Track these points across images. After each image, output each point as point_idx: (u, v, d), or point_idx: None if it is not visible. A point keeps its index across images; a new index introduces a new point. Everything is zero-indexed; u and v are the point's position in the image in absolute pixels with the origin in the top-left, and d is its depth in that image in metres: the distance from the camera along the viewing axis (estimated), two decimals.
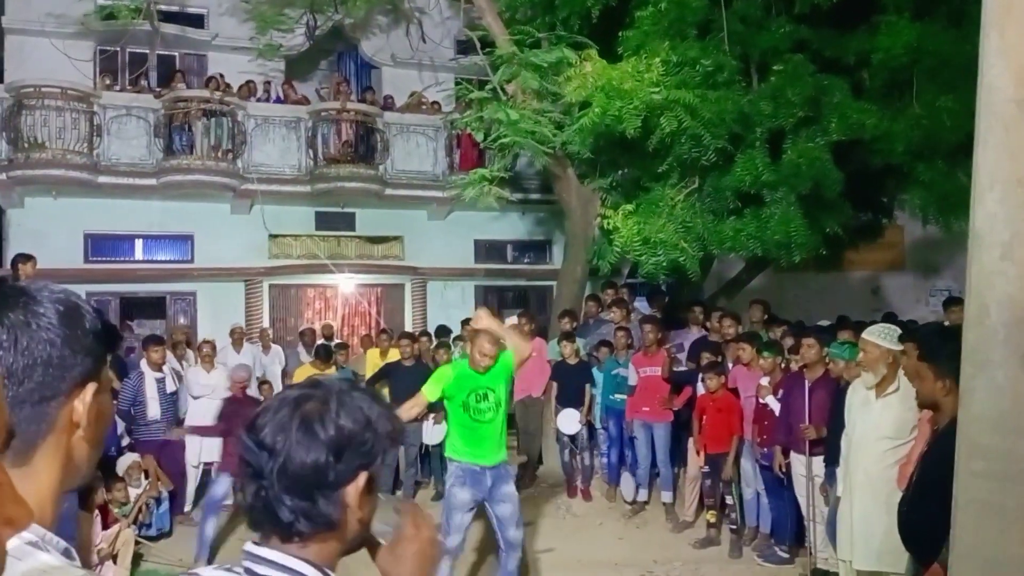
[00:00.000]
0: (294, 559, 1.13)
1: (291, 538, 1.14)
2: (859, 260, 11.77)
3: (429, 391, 5.10)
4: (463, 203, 10.95)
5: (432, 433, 8.11)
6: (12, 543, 0.82)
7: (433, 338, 9.39)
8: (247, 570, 1.13)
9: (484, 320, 5.05)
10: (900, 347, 3.95)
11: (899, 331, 4.19)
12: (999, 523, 2.78)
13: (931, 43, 6.36)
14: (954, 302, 7.37)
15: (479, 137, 8.75)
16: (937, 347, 3.27)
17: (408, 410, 5.10)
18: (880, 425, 4.01)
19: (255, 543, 1.16)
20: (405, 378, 7.98)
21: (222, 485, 6.59)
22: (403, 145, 12.49)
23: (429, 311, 12.94)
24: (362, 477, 1.16)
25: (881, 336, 4.09)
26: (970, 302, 3.00)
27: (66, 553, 0.88)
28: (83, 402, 0.95)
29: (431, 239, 12.98)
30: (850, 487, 4.14)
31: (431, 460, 8.45)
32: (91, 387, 0.96)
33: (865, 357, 4.11)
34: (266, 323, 12.01)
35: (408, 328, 11.54)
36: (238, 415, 6.34)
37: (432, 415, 7.98)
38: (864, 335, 4.23)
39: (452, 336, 9.62)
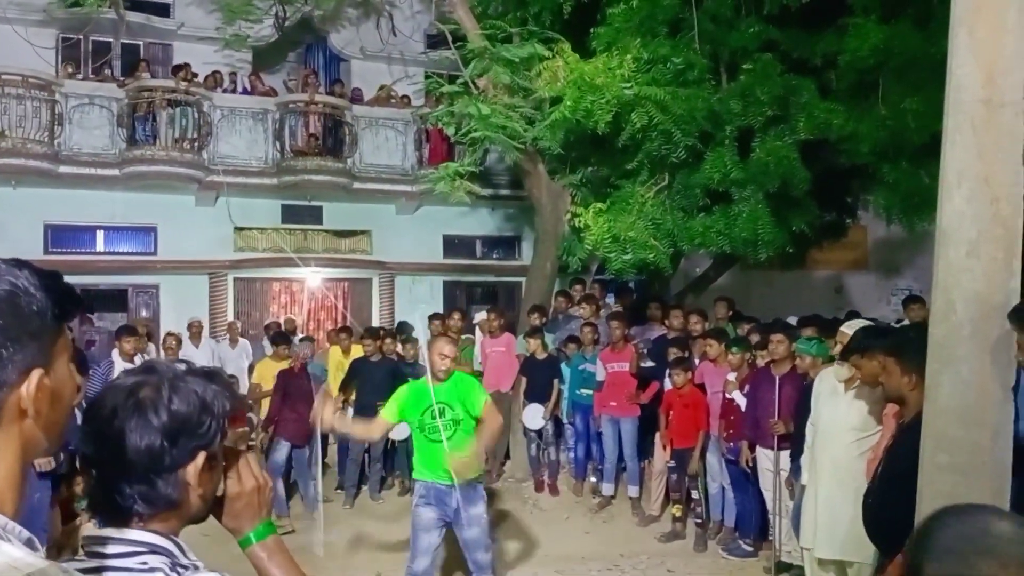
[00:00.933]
0: (137, 531, 1.14)
1: (130, 520, 1.15)
2: (823, 259, 11.94)
3: (387, 413, 4.90)
4: (432, 198, 10.91)
5: (397, 429, 8.07)
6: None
7: (396, 335, 9.26)
8: (92, 554, 1.12)
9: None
10: None
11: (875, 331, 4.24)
12: None
13: (899, 44, 6.45)
14: (913, 300, 7.52)
15: (449, 131, 8.70)
16: (904, 342, 3.33)
17: (370, 431, 5.11)
18: (848, 416, 4.07)
19: (93, 528, 1.17)
20: (374, 374, 7.95)
21: (282, 451, 7.41)
22: (372, 139, 12.39)
23: (397, 306, 12.88)
24: (200, 457, 1.17)
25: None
26: (936, 298, 3.06)
27: (28, 543, 0.86)
28: (28, 393, 0.91)
29: (399, 234, 12.90)
30: (816, 476, 4.20)
31: (397, 455, 8.40)
32: (36, 374, 0.92)
33: (841, 350, 4.17)
34: (231, 316, 11.86)
35: (375, 323, 11.46)
36: (294, 385, 7.54)
37: None
38: (843, 328, 4.30)
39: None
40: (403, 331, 9.41)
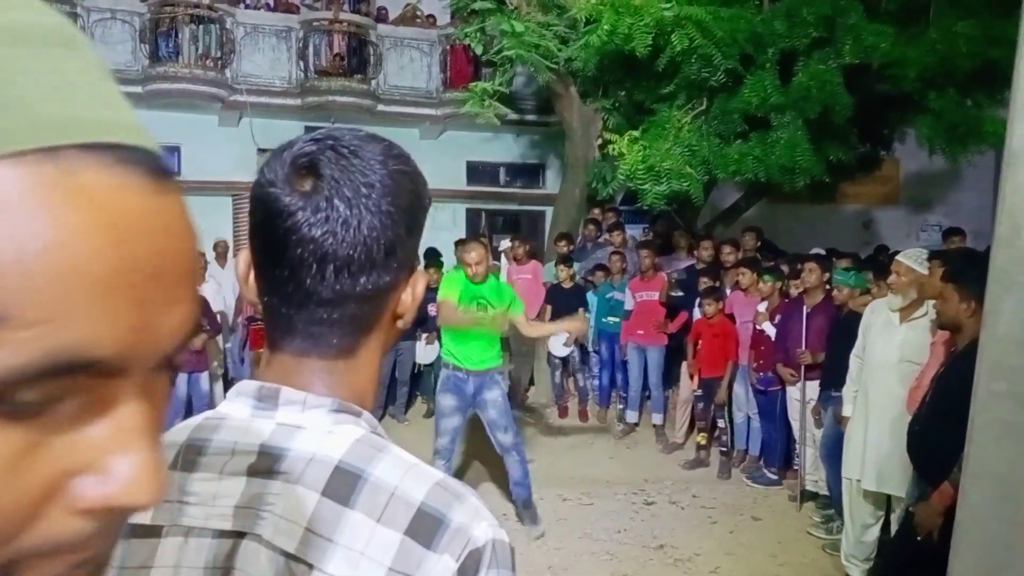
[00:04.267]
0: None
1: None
2: (853, 193, 11.72)
3: (450, 294, 5.16)
4: (457, 123, 10.73)
5: (425, 353, 8.13)
6: (359, 433, 0.80)
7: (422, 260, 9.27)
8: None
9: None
10: None
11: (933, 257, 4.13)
12: (1018, 443, 2.79)
13: None
14: (954, 232, 7.38)
15: (479, 50, 8.48)
16: (964, 268, 3.25)
17: (449, 317, 5.17)
18: (904, 348, 4.00)
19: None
20: None
21: None
22: (396, 60, 12.11)
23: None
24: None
25: (915, 260, 4.04)
26: (1001, 221, 2.95)
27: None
28: (414, 297, 0.84)
29: (422, 159, 11.92)
30: (866, 408, 4.16)
31: (423, 379, 8.46)
32: (421, 278, 0.85)
33: (897, 280, 4.07)
34: None
35: None
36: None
37: (425, 335, 7.98)
38: (899, 258, 4.19)
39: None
40: (430, 257, 9.37)
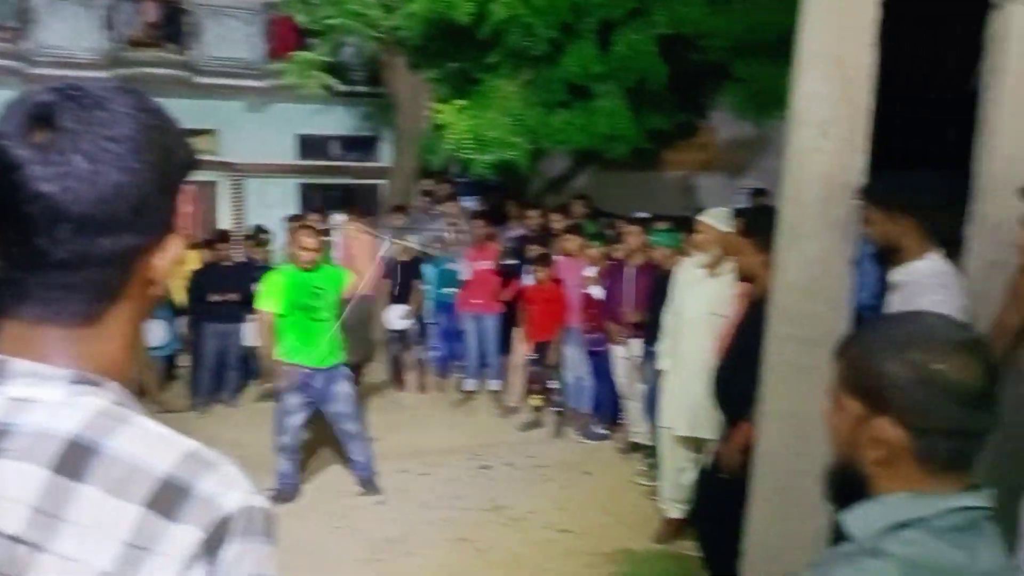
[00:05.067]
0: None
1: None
2: (675, 160, 12.27)
3: (268, 304, 5.03)
4: (285, 95, 10.34)
5: (255, 334, 7.85)
6: (100, 404, 0.74)
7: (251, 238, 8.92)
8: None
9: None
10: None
11: (734, 215, 4.40)
12: (804, 382, 3.02)
13: None
14: (758, 193, 7.90)
15: (302, 19, 8.20)
16: (758, 224, 3.46)
17: (266, 339, 5.10)
18: (711, 302, 4.23)
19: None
20: (227, 278, 7.63)
21: None
22: (215, 29, 11.50)
23: (248, 210, 12.29)
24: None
25: (716, 219, 4.29)
26: (787, 179, 3.17)
27: None
28: (164, 262, 0.79)
29: (248, 133, 12.18)
30: (680, 361, 4.38)
31: (253, 361, 8.16)
32: (175, 242, 0.79)
33: (701, 238, 4.31)
34: None
35: (224, 228, 10.91)
36: None
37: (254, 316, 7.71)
38: (700, 217, 4.43)
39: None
40: (259, 234, 9.04)
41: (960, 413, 1.00)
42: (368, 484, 5.41)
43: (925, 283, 2.64)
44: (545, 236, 7.72)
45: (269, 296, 5.03)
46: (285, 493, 5.17)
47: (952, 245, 2.93)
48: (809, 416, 2.97)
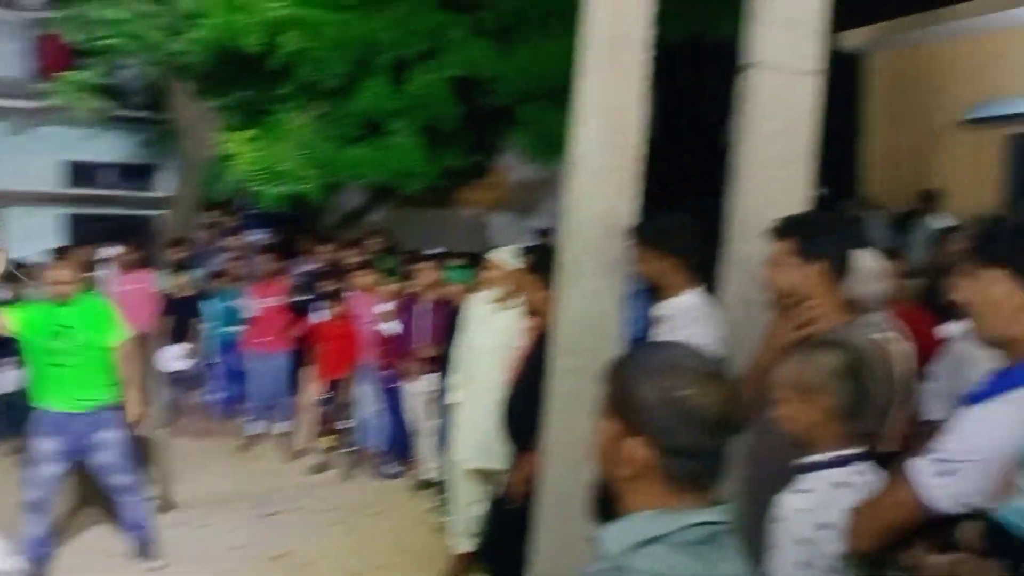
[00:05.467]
0: None
1: None
2: (471, 199, 12.60)
3: (8, 314, 4.50)
4: (54, 117, 9.54)
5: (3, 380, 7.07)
6: None
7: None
8: None
9: None
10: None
11: (522, 252, 4.53)
12: (583, 412, 3.17)
13: None
14: (544, 232, 8.26)
15: (76, 38, 7.61)
16: (543, 261, 3.61)
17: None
18: (503, 334, 4.32)
19: None
20: None
21: None
22: None
23: (8, 242, 11.12)
24: None
25: (505, 256, 4.42)
26: (567, 220, 3.35)
27: None
28: None
29: (12, 158, 11.07)
30: (471, 393, 4.44)
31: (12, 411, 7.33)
32: None
33: (491, 274, 4.42)
34: None
35: None
36: None
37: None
38: (490, 255, 4.55)
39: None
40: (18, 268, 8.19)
41: (702, 435, 1.09)
42: (144, 548, 4.86)
43: (685, 317, 2.87)
44: (338, 271, 7.59)
45: (11, 315, 4.50)
46: (36, 561, 4.53)
47: (712, 282, 3.20)
48: (585, 444, 3.11)
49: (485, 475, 4.41)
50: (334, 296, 6.90)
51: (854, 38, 11.09)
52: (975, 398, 1.70)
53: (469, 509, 4.50)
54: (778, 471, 2.04)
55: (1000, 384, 1.67)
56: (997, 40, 9.86)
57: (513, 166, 12.23)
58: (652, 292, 3.24)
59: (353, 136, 7.44)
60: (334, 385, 6.87)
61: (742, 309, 3.07)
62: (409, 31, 6.87)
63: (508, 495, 3.55)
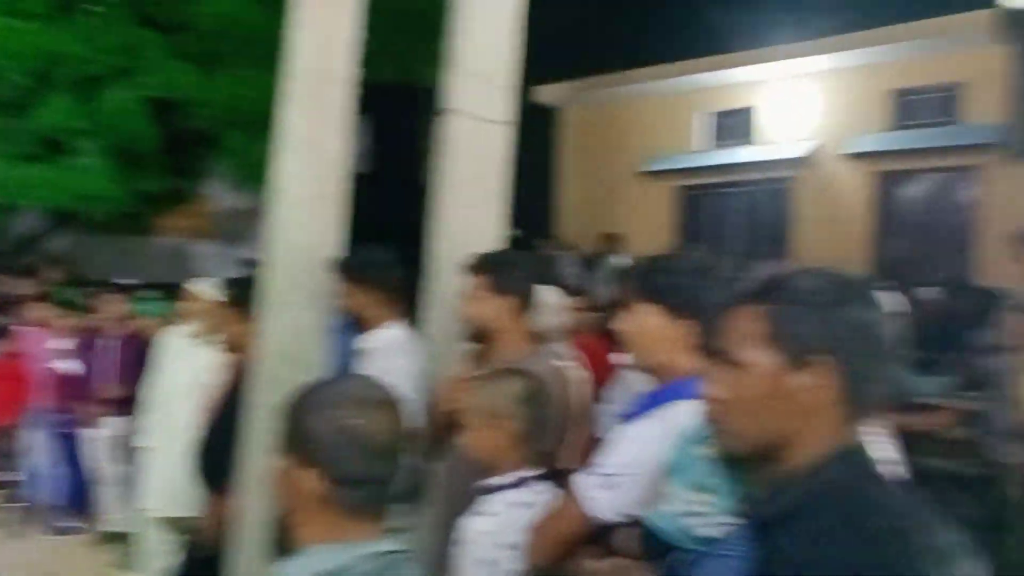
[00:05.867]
0: None
1: None
2: (172, 226, 11.82)
3: None
4: None
5: None
6: None
7: None
8: None
9: None
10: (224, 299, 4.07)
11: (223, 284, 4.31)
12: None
13: (243, 15, 6.66)
14: (250, 262, 7.98)
15: None
16: (242, 293, 3.49)
17: None
18: (201, 371, 4.07)
19: None
20: None
21: None
22: None
23: None
24: None
25: (205, 287, 4.18)
26: (269, 251, 3.28)
27: None
28: None
29: None
30: (164, 436, 4.13)
31: None
32: None
33: (189, 307, 4.16)
34: None
35: None
36: None
37: None
38: (187, 286, 4.28)
39: None
40: None
41: (371, 463, 1.13)
42: None
43: (388, 349, 2.93)
44: (8, 303, 6.77)
45: None
46: None
47: (415, 315, 3.29)
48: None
49: (176, 523, 4.13)
50: (2, 332, 6.15)
51: (550, 93, 12.11)
52: (628, 417, 1.93)
53: (159, 560, 4.18)
54: (466, 496, 2.15)
55: (649, 404, 1.91)
56: (666, 102, 11.31)
57: (218, 193, 11.68)
58: (356, 325, 3.27)
59: (30, 154, 6.67)
60: (2, 432, 6.08)
61: (443, 342, 3.20)
62: (100, 47, 6.33)
63: (200, 541, 3.35)
